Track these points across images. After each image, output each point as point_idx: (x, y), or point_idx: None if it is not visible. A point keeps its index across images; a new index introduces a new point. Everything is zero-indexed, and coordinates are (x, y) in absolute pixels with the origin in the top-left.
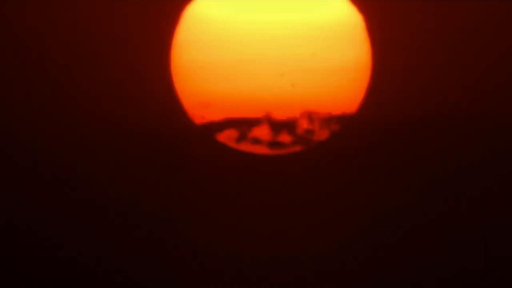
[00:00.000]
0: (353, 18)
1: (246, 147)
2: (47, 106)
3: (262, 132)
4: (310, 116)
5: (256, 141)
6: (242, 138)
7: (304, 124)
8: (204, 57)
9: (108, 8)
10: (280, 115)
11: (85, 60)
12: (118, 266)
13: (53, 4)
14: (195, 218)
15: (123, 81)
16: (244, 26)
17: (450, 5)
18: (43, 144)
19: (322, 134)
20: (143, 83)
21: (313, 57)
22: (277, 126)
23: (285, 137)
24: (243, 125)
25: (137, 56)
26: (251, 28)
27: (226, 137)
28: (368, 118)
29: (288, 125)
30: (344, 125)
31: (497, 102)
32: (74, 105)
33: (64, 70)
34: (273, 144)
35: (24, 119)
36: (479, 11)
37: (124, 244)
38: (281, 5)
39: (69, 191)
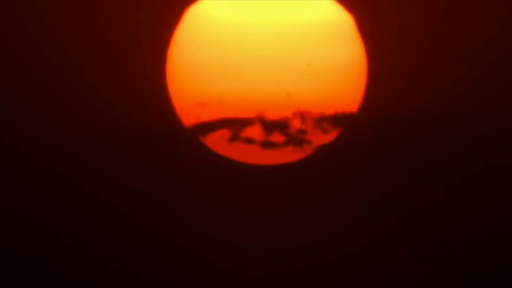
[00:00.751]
0: (343, 18)
1: (238, 146)
2: (36, 93)
3: (255, 132)
4: (302, 116)
5: (249, 141)
6: (234, 138)
7: (296, 124)
8: (200, 57)
9: (108, 8)
10: (272, 115)
11: (80, 58)
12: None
13: (56, 2)
14: (185, 219)
15: (119, 80)
16: (240, 27)
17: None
18: (28, 138)
19: (314, 134)
20: (138, 82)
21: (308, 67)
22: (270, 126)
23: (277, 137)
24: (236, 125)
25: (135, 56)
26: (247, 29)
27: (219, 137)
28: (366, 118)
29: (280, 125)
30: (340, 124)
31: (492, 98)
32: (66, 102)
33: (60, 67)
34: (266, 144)
35: (14, 115)
36: (466, 8)
37: (107, 240)
38: (277, 5)
39: (54, 188)
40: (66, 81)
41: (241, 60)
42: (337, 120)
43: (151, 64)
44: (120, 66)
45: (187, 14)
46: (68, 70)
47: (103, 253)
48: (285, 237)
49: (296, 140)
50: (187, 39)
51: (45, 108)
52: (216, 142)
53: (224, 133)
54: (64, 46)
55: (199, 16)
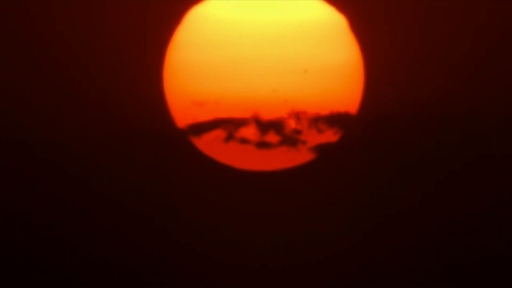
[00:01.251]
0: (336, 18)
1: (234, 146)
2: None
3: (250, 132)
4: (297, 116)
5: (244, 141)
6: (230, 138)
7: (291, 124)
8: (199, 57)
9: (110, 8)
10: (268, 115)
11: (76, 58)
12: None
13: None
14: (178, 222)
15: (116, 80)
16: (238, 27)
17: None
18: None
19: (310, 134)
20: (136, 83)
21: (305, 73)
22: (265, 126)
23: (272, 137)
24: (231, 125)
25: (133, 56)
26: (245, 29)
27: (214, 137)
28: (362, 117)
29: (275, 125)
30: (335, 124)
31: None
32: (61, 100)
33: (59, 65)
34: (261, 144)
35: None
36: (464, 5)
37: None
38: (273, 6)
39: (43, 188)
40: (59, 78)
41: (238, 60)
42: (333, 120)
43: (150, 64)
44: (119, 67)
45: (188, 15)
46: (63, 67)
47: (93, 255)
48: (282, 238)
49: (291, 140)
50: (186, 39)
51: (36, 105)
52: (211, 142)
53: (219, 133)
54: (61, 40)
55: (199, 17)
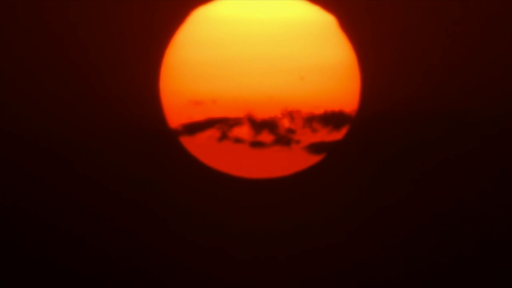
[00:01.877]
0: (326, 18)
1: (227, 146)
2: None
3: (244, 131)
4: (291, 115)
5: (238, 140)
6: (223, 137)
7: (285, 124)
8: (198, 56)
9: (111, 10)
10: (261, 114)
11: (74, 56)
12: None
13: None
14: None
15: (114, 79)
16: (233, 26)
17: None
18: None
19: (304, 133)
20: (134, 82)
21: (301, 80)
22: (258, 125)
23: (266, 137)
24: (225, 125)
25: (132, 57)
26: (243, 28)
27: (208, 136)
28: (358, 116)
29: (269, 125)
30: (329, 123)
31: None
32: (58, 98)
33: (57, 62)
34: (254, 143)
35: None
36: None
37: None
38: (267, 5)
39: (34, 188)
40: (58, 76)
41: (234, 59)
42: (327, 119)
43: (149, 63)
44: (118, 67)
45: (190, 16)
46: (62, 66)
47: (85, 251)
48: (279, 238)
49: (285, 139)
50: (185, 39)
51: (32, 103)
52: (205, 142)
53: (213, 133)
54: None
55: (198, 17)
